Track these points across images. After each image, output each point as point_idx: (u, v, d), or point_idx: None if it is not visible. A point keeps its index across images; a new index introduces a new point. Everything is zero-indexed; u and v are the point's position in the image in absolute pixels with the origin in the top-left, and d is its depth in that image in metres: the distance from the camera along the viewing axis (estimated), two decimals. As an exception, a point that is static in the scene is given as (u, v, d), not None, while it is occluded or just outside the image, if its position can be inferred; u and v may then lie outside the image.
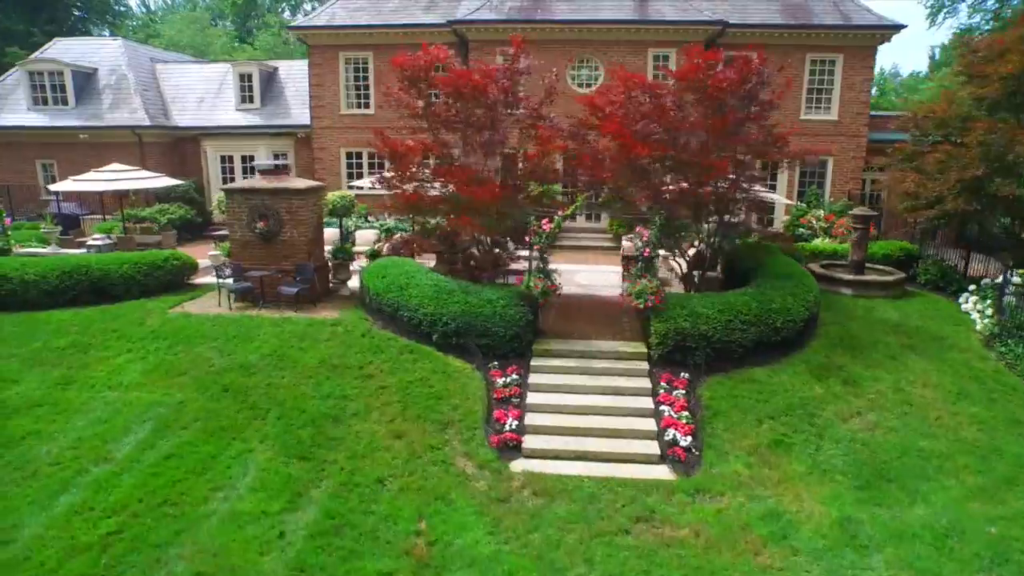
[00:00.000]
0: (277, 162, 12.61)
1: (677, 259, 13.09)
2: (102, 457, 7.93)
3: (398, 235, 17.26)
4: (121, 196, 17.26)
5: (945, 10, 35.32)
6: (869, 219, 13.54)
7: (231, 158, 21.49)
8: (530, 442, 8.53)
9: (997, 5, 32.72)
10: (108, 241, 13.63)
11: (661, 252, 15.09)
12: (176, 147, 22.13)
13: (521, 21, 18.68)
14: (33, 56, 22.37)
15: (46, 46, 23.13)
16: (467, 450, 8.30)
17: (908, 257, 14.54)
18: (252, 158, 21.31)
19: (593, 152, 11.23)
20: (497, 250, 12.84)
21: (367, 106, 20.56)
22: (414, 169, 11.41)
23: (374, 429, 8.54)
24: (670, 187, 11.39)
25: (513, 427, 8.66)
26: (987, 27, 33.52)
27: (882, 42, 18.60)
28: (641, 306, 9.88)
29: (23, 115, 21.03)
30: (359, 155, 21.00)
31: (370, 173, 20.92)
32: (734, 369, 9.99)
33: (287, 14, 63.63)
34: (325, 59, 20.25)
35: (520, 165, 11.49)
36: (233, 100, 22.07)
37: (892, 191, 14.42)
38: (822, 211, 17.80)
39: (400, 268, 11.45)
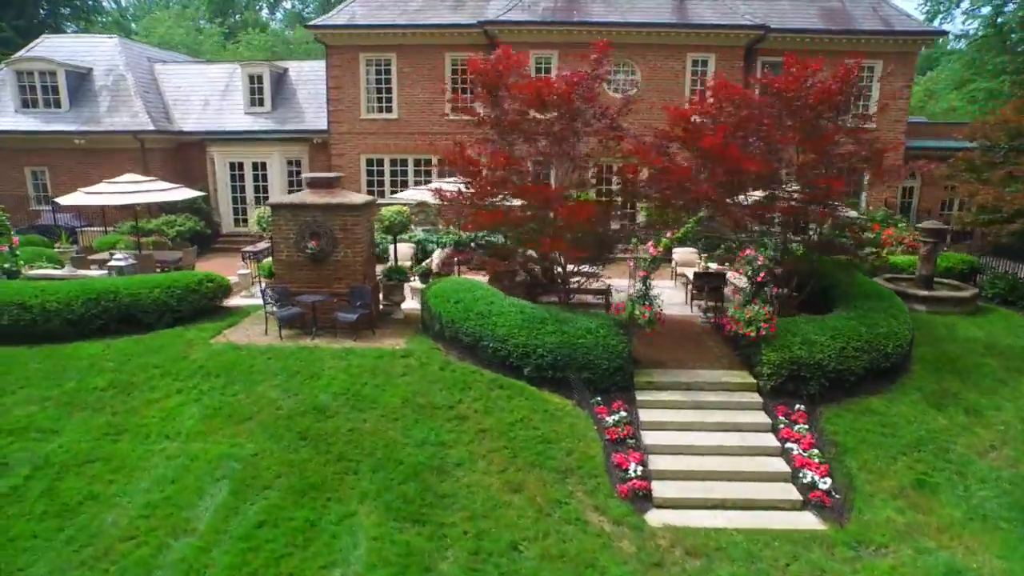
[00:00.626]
0: (327, 174, 11.46)
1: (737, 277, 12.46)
2: (181, 528, 6.79)
3: (438, 251, 16.23)
4: (135, 209, 15.80)
5: (940, 15, 35.78)
6: (942, 233, 13.09)
7: (241, 165, 20.06)
8: (660, 490, 7.69)
9: (993, 13, 33.19)
10: (131, 261, 12.27)
11: (713, 266, 14.48)
12: (179, 153, 20.60)
13: (556, 23, 17.84)
14: (20, 54, 20.55)
15: (33, 44, 21.30)
16: (596, 503, 7.42)
17: (972, 270, 14.17)
18: (264, 165, 19.96)
19: (679, 166, 10.43)
20: (559, 268, 11.96)
21: (389, 110, 19.42)
22: (493, 186, 10.38)
23: (487, 482, 7.58)
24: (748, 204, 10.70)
25: (638, 473, 7.81)
26: (982, 33, 34.07)
27: (922, 48, 18.33)
28: (753, 335, 9.13)
29: (11, 118, 19.26)
30: (380, 162, 19.83)
31: (393, 182, 19.83)
32: (846, 399, 9.33)
33: (264, 12, 61.47)
34: (344, 60, 19.03)
35: (615, 181, 10.61)
36: (241, 103, 20.66)
37: (972, 203, 13.97)
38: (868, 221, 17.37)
39: (472, 292, 10.47)
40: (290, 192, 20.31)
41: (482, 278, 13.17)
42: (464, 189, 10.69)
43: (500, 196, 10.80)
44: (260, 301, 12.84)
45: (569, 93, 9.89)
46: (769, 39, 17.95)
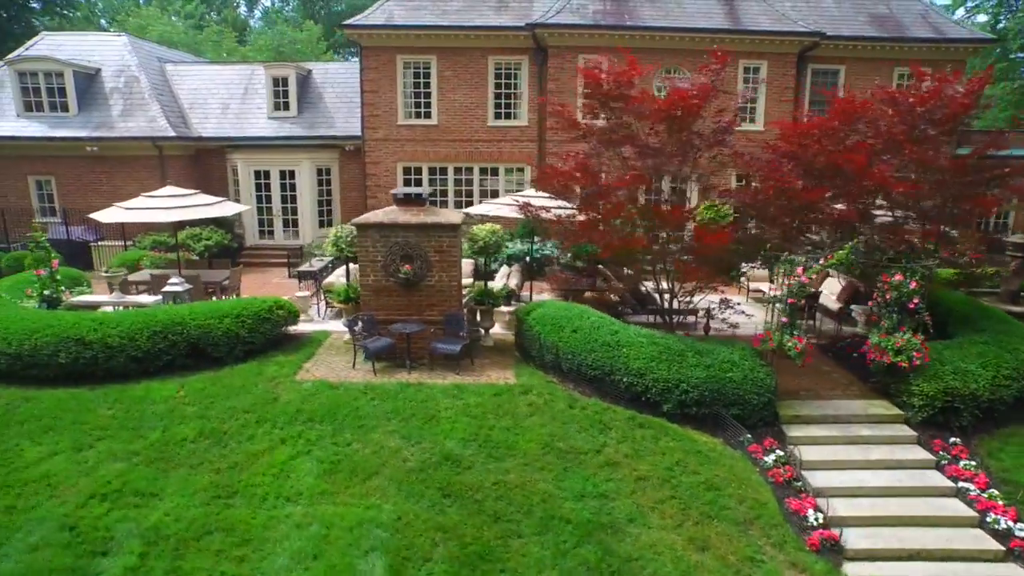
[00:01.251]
0: (418, 190, 10.50)
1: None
2: (347, 616, 5.82)
3: (504, 268, 15.40)
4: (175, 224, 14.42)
5: (938, 23, 36.29)
6: (1031, 246, 12.83)
7: (267, 173, 18.75)
8: (848, 539, 7.03)
9: (991, 20, 33.90)
10: (188, 286, 11.03)
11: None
12: (197, 160, 19.18)
13: (608, 27, 17.10)
14: (20, 52, 18.81)
15: (32, 41, 19.54)
16: (790, 558, 6.72)
17: (1050, 283, 13.97)
18: (293, 173, 18.70)
19: (815, 187, 9.79)
20: (659, 286, 11.25)
21: (428, 116, 18.40)
22: (615, 206, 9.55)
23: (668, 540, 6.80)
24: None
25: (820, 521, 7.15)
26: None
27: (973, 56, 18.24)
28: (905, 364, 8.56)
29: (12, 123, 17.58)
30: (418, 170, 18.80)
31: (431, 192, 18.79)
32: (997, 430, 8.86)
33: (243, 8, 59.14)
34: (381, 63, 17.93)
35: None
36: (264, 107, 19.36)
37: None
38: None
39: (586, 319, 9.67)
40: (319, 202, 19.15)
41: (549, 296, 12.43)
42: (567, 210, 9.83)
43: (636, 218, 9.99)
44: (324, 327, 11.85)
45: (697, 108, 9.18)
46: (821, 46, 17.60)
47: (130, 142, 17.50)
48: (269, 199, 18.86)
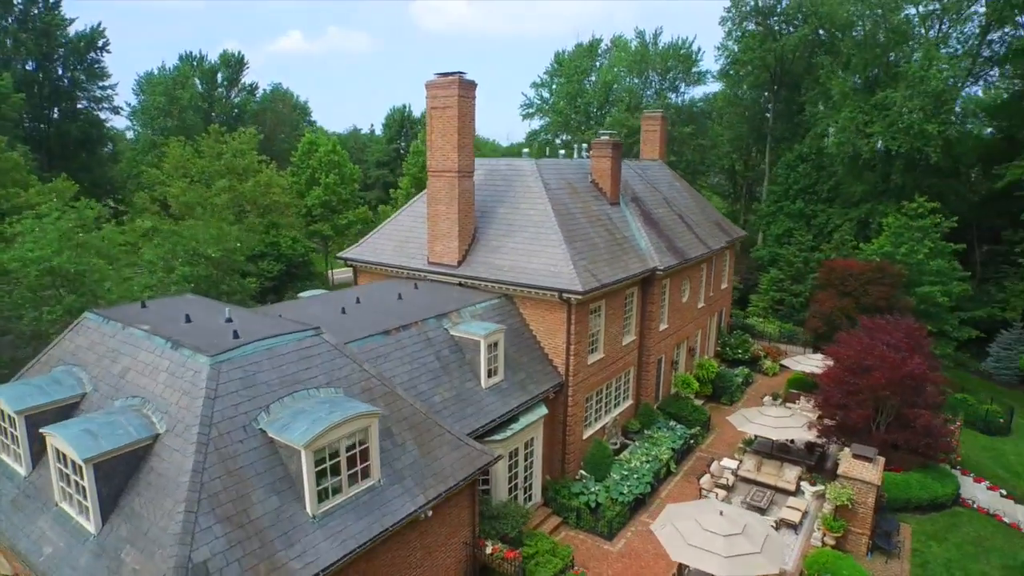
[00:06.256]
0: (872, 450, 18.63)
1: None
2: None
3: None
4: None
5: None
6: None
7: (516, 451, 18.66)
8: None
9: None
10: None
11: None
12: (436, 468, 16.86)
13: (684, 263, 26.16)
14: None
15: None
16: None
17: None
18: (532, 441, 19.40)
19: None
20: None
21: (597, 350, 22.66)
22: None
23: None
24: None
25: None
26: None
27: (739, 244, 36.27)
28: None
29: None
30: (591, 397, 22.81)
31: (596, 409, 23.29)
32: None
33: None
34: (581, 315, 20.96)
35: None
36: (476, 378, 18.53)
37: None
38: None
39: None
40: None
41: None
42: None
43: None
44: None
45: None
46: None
47: (455, 489, 14.93)
48: (517, 475, 19.00)
